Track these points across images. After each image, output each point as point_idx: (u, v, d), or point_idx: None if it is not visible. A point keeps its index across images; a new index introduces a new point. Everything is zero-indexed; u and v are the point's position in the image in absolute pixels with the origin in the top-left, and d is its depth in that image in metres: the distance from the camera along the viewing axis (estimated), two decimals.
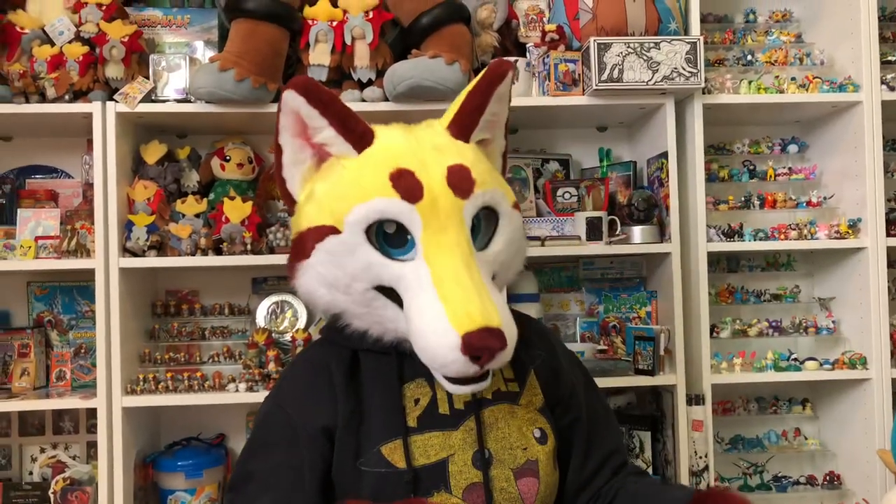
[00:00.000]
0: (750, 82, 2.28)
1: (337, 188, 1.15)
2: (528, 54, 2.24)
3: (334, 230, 1.12)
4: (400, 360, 1.19)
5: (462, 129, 1.21)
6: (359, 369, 1.22)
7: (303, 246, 1.16)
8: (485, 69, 1.22)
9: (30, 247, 2.07)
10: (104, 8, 2.08)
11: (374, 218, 1.11)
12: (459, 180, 1.13)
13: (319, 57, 2.06)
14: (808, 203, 2.38)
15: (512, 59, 2.18)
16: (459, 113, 1.21)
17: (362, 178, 1.13)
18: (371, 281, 1.13)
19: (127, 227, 2.07)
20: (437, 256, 1.09)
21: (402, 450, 1.14)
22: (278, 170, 1.21)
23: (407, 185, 1.10)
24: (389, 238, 1.12)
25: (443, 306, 1.04)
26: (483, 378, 1.09)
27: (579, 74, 2.16)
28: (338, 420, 1.17)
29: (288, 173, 1.21)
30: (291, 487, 1.14)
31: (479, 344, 1.01)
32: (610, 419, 1.36)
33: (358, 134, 1.15)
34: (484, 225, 1.17)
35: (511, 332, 1.07)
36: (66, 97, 2.05)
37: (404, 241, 1.12)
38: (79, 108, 2.04)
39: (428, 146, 1.16)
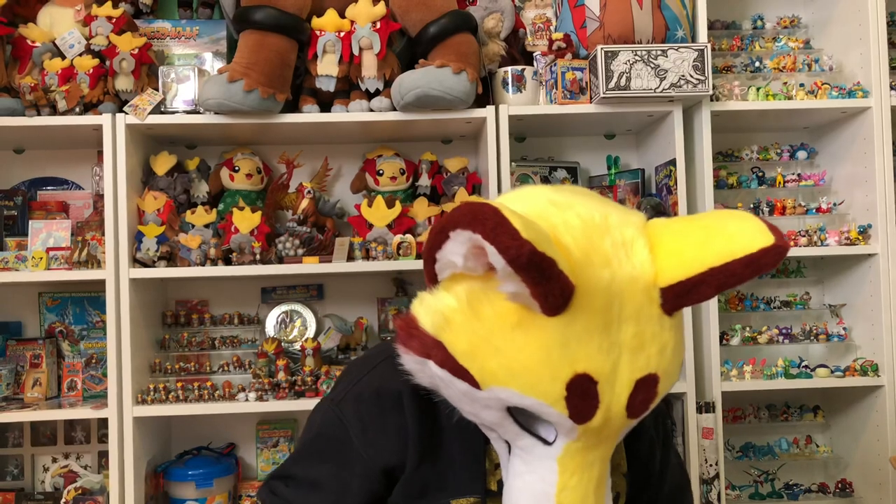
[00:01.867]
0: (758, 89, 2.28)
1: (501, 344, 0.90)
2: (535, 63, 2.24)
3: (473, 382, 0.92)
4: None
5: (676, 307, 0.93)
6: (436, 407, 1.07)
7: (427, 350, 0.95)
8: (754, 253, 0.88)
9: (41, 258, 2.08)
10: (114, 21, 2.10)
11: (525, 407, 0.92)
12: (641, 402, 0.93)
13: (327, 67, 2.07)
14: (818, 209, 2.37)
15: (519, 67, 2.19)
16: (685, 293, 0.91)
17: (536, 367, 0.89)
18: (491, 426, 0.99)
19: (137, 238, 2.09)
20: (573, 472, 0.94)
21: None
22: (431, 248, 0.91)
23: (582, 404, 0.89)
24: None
25: None
26: None
27: (586, 82, 2.16)
28: (406, 459, 1.09)
29: (442, 261, 0.92)
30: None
31: None
32: (683, 489, 1.27)
33: (556, 306, 0.87)
34: None
35: None
36: (77, 109, 2.06)
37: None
38: (89, 120, 2.06)
39: (629, 334, 0.90)
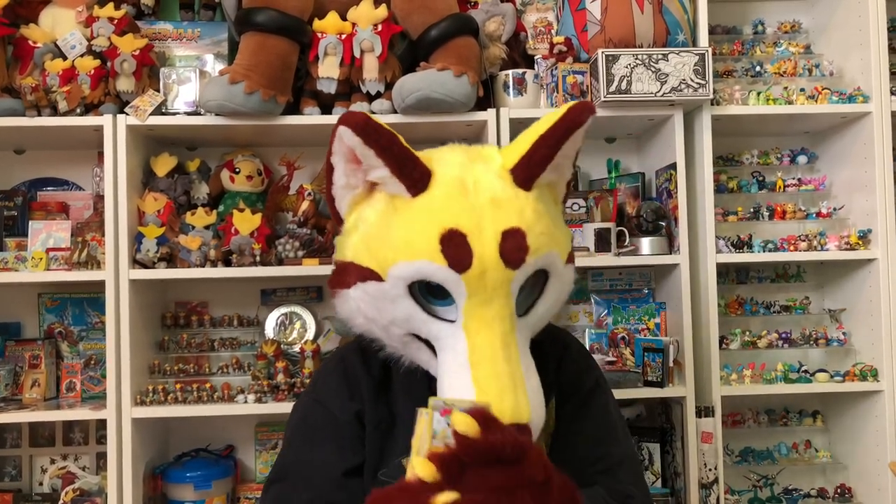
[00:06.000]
0: (759, 93, 2.28)
1: (385, 233, 1.11)
2: (536, 66, 2.24)
3: (377, 277, 1.10)
4: (430, 378, 1.17)
5: (526, 178, 1.12)
6: (390, 378, 1.24)
7: (345, 276, 1.15)
8: (563, 113, 1.12)
9: (41, 258, 2.08)
10: (116, 22, 2.10)
11: (418, 278, 1.08)
12: (512, 250, 1.07)
13: (328, 70, 2.07)
14: (818, 214, 2.37)
15: (520, 70, 2.20)
16: (526, 162, 1.12)
17: (412, 234, 1.08)
18: (408, 329, 1.12)
19: (137, 239, 2.08)
20: (477, 331, 1.06)
21: None
22: (328, 187, 1.19)
23: (456, 252, 1.05)
24: (432, 289, 1.09)
25: (474, 394, 1.02)
26: None
27: (587, 86, 2.16)
28: (365, 418, 1.20)
29: (337, 194, 1.18)
30: (333, 485, 1.15)
31: None
32: (609, 430, 1.27)
33: (414, 179, 1.09)
34: (530, 287, 1.12)
35: (538, 419, 1.05)
36: (78, 110, 2.06)
37: (447, 293, 1.08)
38: (90, 121, 2.06)
39: (486, 198, 1.08)
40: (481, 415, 0.88)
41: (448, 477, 0.85)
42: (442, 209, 1.07)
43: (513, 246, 1.06)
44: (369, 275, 1.11)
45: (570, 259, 1.19)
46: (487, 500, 0.84)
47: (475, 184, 1.09)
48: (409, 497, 0.85)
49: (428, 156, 1.14)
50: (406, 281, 1.08)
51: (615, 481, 1.18)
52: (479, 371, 1.03)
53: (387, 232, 1.10)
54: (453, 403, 0.94)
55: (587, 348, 1.42)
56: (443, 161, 1.14)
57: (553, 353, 1.27)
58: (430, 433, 0.93)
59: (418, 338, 1.13)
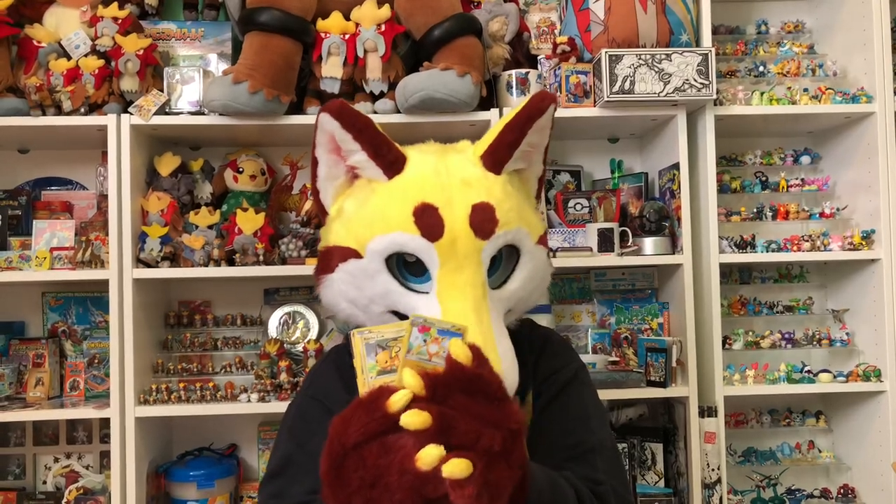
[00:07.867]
0: (762, 93, 2.28)
1: (363, 213, 1.18)
2: (539, 66, 2.24)
3: (356, 254, 1.16)
4: None
5: (495, 162, 1.20)
6: None
7: (328, 261, 1.20)
8: (525, 102, 1.22)
9: (45, 258, 2.09)
10: (120, 22, 2.10)
11: (393, 250, 1.13)
12: (482, 221, 1.13)
13: (332, 69, 2.07)
14: (821, 214, 2.37)
15: (524, 70, 2.20)
16: (494, 146, 1.21)
17: (387, 209, 1.15)
18: (387, 306, 1.16)
19: (141, 239, 2.09)
20: (449, 297, 1.11)
21: None
22: (313, 181, 1.26)
23: (428, 222, 1.11)
24: (409, 266, 1.15)
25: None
26: None
27: (590, 86, 2.16)
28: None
29: (322, 186, 1.25)
30: None
31: None
32: (582, 421, 1.25)
33: (389, 161, 1.17)
34: (504, 262, 1.18)
35: (511, 377, 1.08)
36: (82, 110, 2.07)
37: (423, 270, 1.14)
38: (94, 120, 2.07)
39: (457, 179, 1.16)
40: (475, 349, 0.90)
41: (431, 394, 0.85)
42: (415, 187, 1.15)
43: (482, 217, 1.13)
44: (350, 253, 1.16)
45: (543, 241, 1.25)
46: (464, 421, 0.84)
47: (447, 168, 1.17)
48: (365, 409, 0.86)
49: (404, 148, 1.21)
50: (383, 254, 1.13)
51: (586, 468, 1.17)
52: None
53: (364, 212, 1.17)
54: (433, 323, 0.95)
55: (570, 344, 1.42)
56: (418, 150, 1.22)
57: (533, 347, 1.28)
58: (405, 347, 0.93)
59: (398, 315, 1.16)
